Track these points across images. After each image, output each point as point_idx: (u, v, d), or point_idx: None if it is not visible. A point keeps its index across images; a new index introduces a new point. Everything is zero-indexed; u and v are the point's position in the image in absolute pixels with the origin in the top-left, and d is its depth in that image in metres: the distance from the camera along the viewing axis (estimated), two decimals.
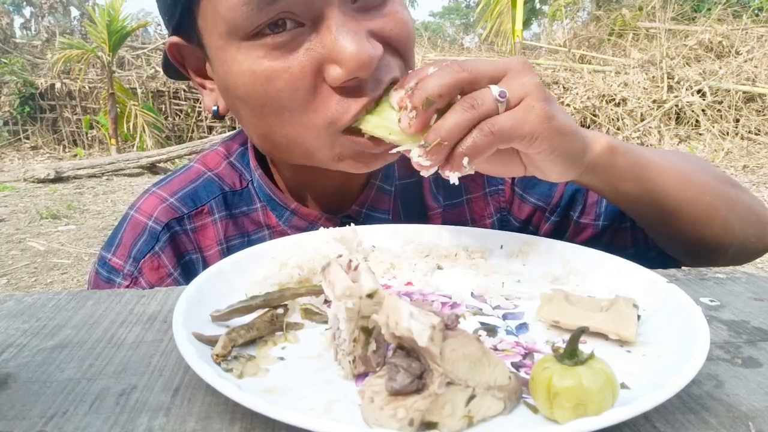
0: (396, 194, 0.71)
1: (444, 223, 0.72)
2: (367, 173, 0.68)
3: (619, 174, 0.57)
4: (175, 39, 0.61)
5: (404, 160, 0.73)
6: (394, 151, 0.51)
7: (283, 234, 0.67)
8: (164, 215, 0.67)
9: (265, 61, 0.53)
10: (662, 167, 0.60)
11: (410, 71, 0.49)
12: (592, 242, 0.72)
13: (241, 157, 0.72)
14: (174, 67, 0.66)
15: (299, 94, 0.53)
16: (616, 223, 0.71)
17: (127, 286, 0.64)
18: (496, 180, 0.74)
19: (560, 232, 0.73)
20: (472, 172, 0.49)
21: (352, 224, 0.58)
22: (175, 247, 0.66)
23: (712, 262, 0.66)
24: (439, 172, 0.49)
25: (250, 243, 0.67)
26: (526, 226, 0.74)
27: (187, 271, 0.66)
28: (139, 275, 0.64)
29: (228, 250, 0.67)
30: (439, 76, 0.47)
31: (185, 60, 0.63)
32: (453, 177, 0.48)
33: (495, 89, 0.47)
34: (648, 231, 0.68)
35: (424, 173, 0.49)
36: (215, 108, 0.63)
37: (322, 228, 0.57)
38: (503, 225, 0.75)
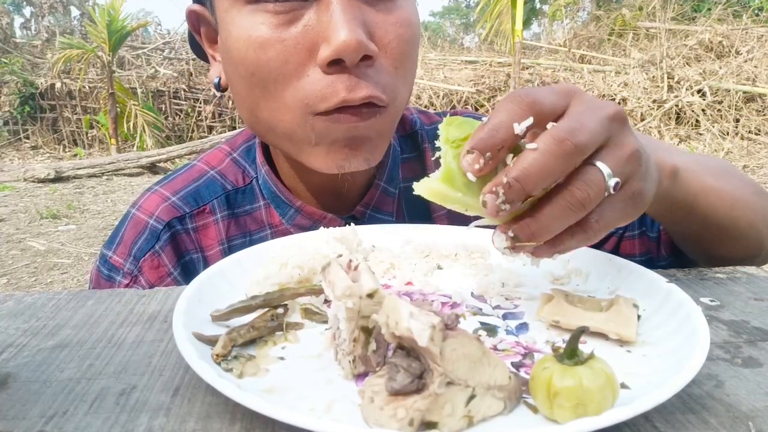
0: (400, 196, 0.71)
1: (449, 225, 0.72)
2: (370, 173, 0.68)
3: (673, 202, 0.54)
4: (194, 6, 0.62)
5: (407, 162, 0.73)
6: (475, 224, 0.42)
7: (285, 233, 0.67)
8: (165, 214, 0.66)
9: (262, 28, 0.53)
10: (715, 190, 0.56)
11: (490, 125, 0.37)
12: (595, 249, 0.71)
13: (246, 153, 0.72)
14: (196, 42, 0.67)
15: (288, 67, 0.53)
16: (620, 231, 0.70)
17: (127, 285, 0.64)
18: None
19: None
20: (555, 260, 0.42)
21: (352, 224, 0.58)
22: (176, 247, 0.66)
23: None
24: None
25: (252, 243, 0.67)
26: None
27: (188, 271, 0.66)
28: (139, 274, 0.64)
29: (229, 250, 0.67)
30: (546, 166, 0.36)
31: (201, 27, 0.64)
32: (535, 262, 0.42)
33: (610, 179, 0.38)
34: (682, 244, 0.65)
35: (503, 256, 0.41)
36: (217, 80, 0.63)
37: (322, 228, 0.57)
38: None
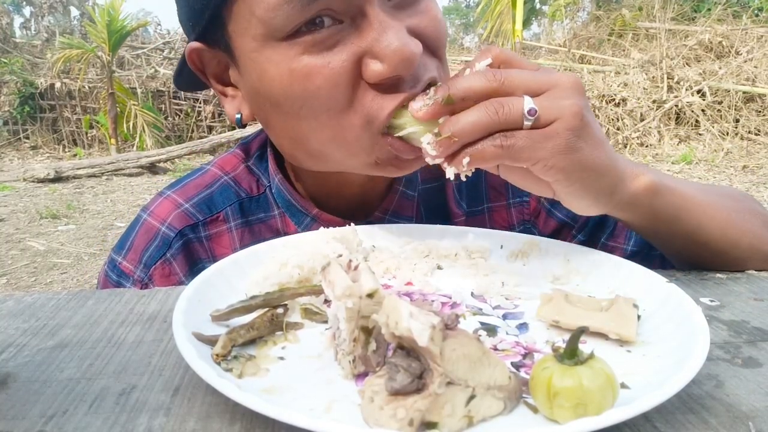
0: (419, 200, 0.70)
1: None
2: (390, 179, 0.68)
3: (655, 214, 0.54)
4: (196, 44, 0.59)
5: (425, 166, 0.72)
6: (401, 133, 0.51)
7: None
8: (178, 222, 0.65)
9: (304, 58, 0.52)
10: (703, 208, 0.57)
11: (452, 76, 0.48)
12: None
13: (258, 160, 0.71)
14: (186, 77, 0.65)
15: (339, 90, 0.52)
16: (646, 250, 0.69)
17: None
18: (522, 191, 0.73)
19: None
20: (470, 174, 0.48)
21: (352, 224, 0.58)
22: (188, 255, 0.65)
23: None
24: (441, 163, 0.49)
25: None
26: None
27: None
28: (150, 282, 0.63)
29: None
30: (469, 79, 0.46)
31: (206, 66, 0.62)
32: (449, 172, 0.48)
33: (528, 103, 0.45)
34: (672, 259, 0.65)
35: (428, 161, 0.49)
36: (238, 116, 0.62)
37: (322, 228, 0.57)
38: None
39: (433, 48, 0.56)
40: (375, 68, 0.51)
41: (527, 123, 0.45)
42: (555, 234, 0.72)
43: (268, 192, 0.69)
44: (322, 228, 0.57)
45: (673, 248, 0.61)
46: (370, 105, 0.52)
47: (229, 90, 0.62)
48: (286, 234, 0.67)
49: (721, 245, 0.58)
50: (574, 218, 0.71)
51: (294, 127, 0.56)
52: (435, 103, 0.47)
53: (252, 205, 0.68)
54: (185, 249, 0.65)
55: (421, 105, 0.48)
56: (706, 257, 0.58)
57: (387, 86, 0.52)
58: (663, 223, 0.56)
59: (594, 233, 0.70)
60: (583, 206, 0.50)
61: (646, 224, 0.56)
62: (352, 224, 0.58)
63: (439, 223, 0.69)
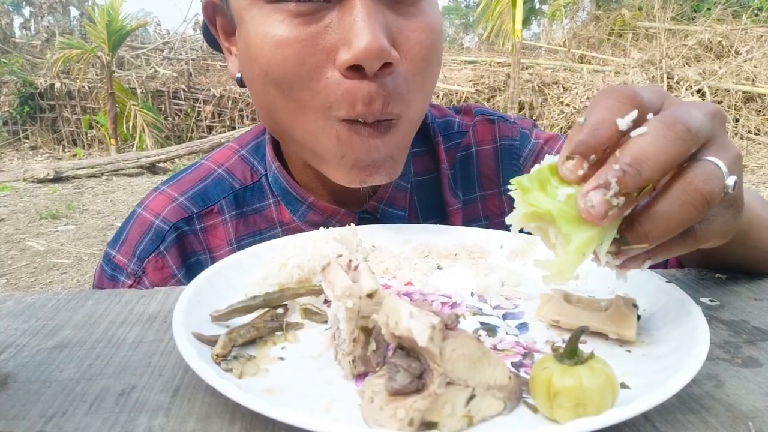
0: (412, 191, 0.71)
1: (463, 219, 0.72)
2: None
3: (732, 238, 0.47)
4: None
5: (419, 156, 0.72)
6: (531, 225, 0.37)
7: (297, 230, 0.66)
8: (173, 215, 0.66)
9: (281, 26, 0.52)
10: (763, 219, 0.53)
11: (590, 124, 0.33)
12: None
13: (254, 150, 0.71)
14: (212, 38, 0.66)
15: (305, 68, 0.52)
16: None
17: (131, 285, 0.63)
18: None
19: None
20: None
21: (352, 224, 0.58)
22: (182, 248, 0.65)
23: None
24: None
25: (262, 241, 0.67)
26: None
27: (193, 273, 0.65)
28: (143, 275, 0.63)
29: (239, 250, 0.66)
30: (662, 150, 0.32)
31: (217, 20, 0.63)
32: (621, 275, 0.38)
33: (728, 177, 0.34)
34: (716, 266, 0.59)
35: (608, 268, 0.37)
36: (239, 75, 0.62)
37: (322, 228, 0.57)
38: None
39: (415, 64, 0.54)
40: (342, 56, 0.51)
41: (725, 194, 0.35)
42: None
43: (264, 180, 0.69)
44: (322, 228, 0.57)
45: (726, 262, 0.56)
46: (333, 92, 0.52)
47: (234, 48, 0.63)
48: (281, 223, 0.68)
49: None
50: None
51: (264, 93, 0.56)
52: (628, 201, 0.32)
53: (246, 194, 0.69)
54: (179, 242, 0.65)
55: (603, 209, 0.32)
56: (754, 268, 0.56)
57: (353, 80, 0.51)
58: (733, 244, 0.48)
59: None
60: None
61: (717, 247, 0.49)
62: (352, 224, 0.58)
63: (434, 214, 0.69)
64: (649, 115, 0.34)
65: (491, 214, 0.73)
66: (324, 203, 0.66)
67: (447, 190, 0.72)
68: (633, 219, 0.34)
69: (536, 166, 0.36)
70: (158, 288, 0.54)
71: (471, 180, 0.74)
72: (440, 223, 0.71)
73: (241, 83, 0.63)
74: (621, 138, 0.33)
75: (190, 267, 0.65)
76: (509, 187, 0.37)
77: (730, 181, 0.34)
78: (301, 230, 0.66)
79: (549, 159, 0.36)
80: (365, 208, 0.68)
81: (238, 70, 0.62)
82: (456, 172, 0.74)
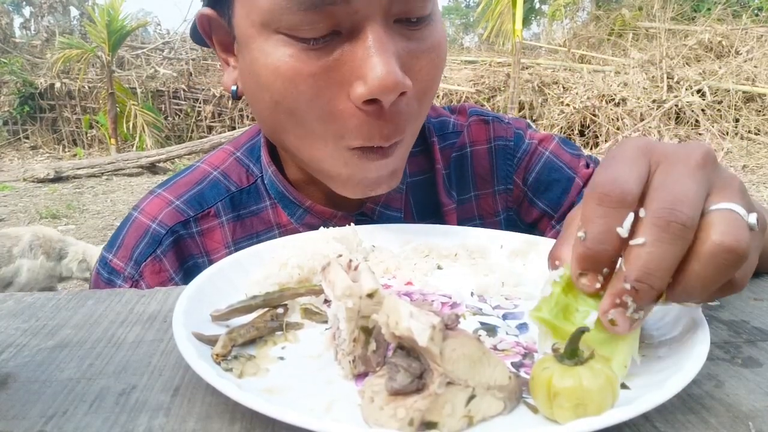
0: (407, 192, 0.71)
1: (459, 218, 0.72)
2: None
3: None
4: (207, 10, 0.60)
5: (414, 156, 0.72)
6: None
7: (294, 233, 0.66)
8: (169, 219, 0.66)
9: (291, 61, 0.51)
10: None
11: (591, 239, 0.34)
12: None
13: (249, 151, 0.71)
14: (199, 34, 0.65)
15: (319, 102, 0.52)
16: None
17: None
18: (507, 179, 0.74)
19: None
20: None
21: (352, 224, 0.58)
22: (179, 252, 0.65)
23: None
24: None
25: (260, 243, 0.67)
26: (532, 231, 0.73)
27: (190, 276, 0.65)
28: (140, 278, 0.63)
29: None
30: (665, 256, 0.32)
31: (213, 33, 0.62)
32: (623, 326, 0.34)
33: (749, 216, 0.33)
34: None
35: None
36: (234, 88, 0.62)
37: (322, 228, 0.57)
38: (510, 224, 0.74)
39: (426, 85, 0.56)
40: (357, 90, 0.50)
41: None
42: (535, 223, 0.73)
43: (260, 182, 0.69)
44: (322, 228, 0.57)
45: None
46: (346, 123, 0.53)
47: (232, 60, 0.62)
48: (278, 225, 0.68)
49: None
50: (554, 208, 0.72)
51: (272, 118, 0.57)
52: (646, 312, 0.34)
53: (243, 197, 0.69)
54: (176, 246, 0.65)
55: (627, 325, 0.33)
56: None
57: (370, 115, 0.52)
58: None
59: None
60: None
61: None
62: (352, 224, 0.58)
63: (429, 214, 0.69)
64: (641, 212, 0.33)
65: (485, 213, 0.73)
66: (321, 207, 0.67)
67: (442, 190, 0.72)
68: (673, 287, 0.33)
69: (546, 287, 0.37)
70: (158, 288, 0.54)
71: (466, 180, 0.74)
72: (435, 223, 0.71)
73: (236, 96, 0.63)
74: (625, 242, 0.33)
75: (188, 270, 0.65)
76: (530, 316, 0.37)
77: (752, 219, 0.33)
78: (299, 233, 0.65)
79: (553, 276, 0.37)
80: (362, 210, 0.68)
81: (233, 83, 0.62)
82: (451, 173, 0.74)
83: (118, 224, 0.70)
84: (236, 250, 0.65)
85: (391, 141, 0.54)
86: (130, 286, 0.63)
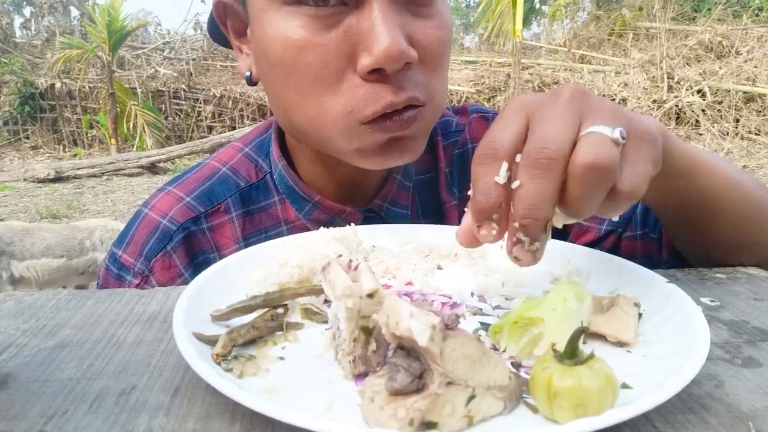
0: (414, 190, 0.71)
1: (460, 215, 0.72)
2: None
3: (673, 167, 0.49)
4: None
5: (420, 156, 0.73)
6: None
7: (302, 229, 0.66)
8: (180, 215, 0.66)
9: (301, 31, 0.52)
10: (711, 165, 0.54)
11: (477, 192, 0.38)
12: (594, 246, 0.70)
13: (258, 147, 0.72)
14: (217, 32, 0.67)
15: (328, 72, 0.53)
16: (620, 230, 0.70)
17: (138, 285, 0.63)
18: None
19: (563, 231, 0.73)
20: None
21: (352, 224, 0.58)
22: (189, 248, 0.66)
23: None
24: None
25: (268, 239, 0.67)
26: None
27: (200, 272, 0.65)
28: (150, 274, 0.64)
29: (246, 248, 0.67)
30: (540, 189, 0.36)
31: (228, 19, 0.63)
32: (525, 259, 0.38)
33: (613, 131, 0.37)
34: (676, 233, 0.63)
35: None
36: (248, 73, 0.63)
37: (322, 228, 0.57)
38: None
39: (432, 60, 0.56)
40: (363, 61, 0.51)
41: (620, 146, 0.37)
42: None
43: (269, 178, 0.69)
44: (322, 228, 0.57)
45: (682, 215, 0.58)
46: (359, 99, 0.53)
47: (245, 47, 0.63)
48: (286, 221, 0.68)
49: (727, 206, 0.55)
50: None
51: (284, 95, 0.57)
52: (542, 241, 0.37)
53: (252, 192, 0.69)
54: (186, 242, 0.66)
55: (531, 256, 0.37)
56: (712, 223, 0.57)
57: (376, 82, 0.52)
58: (679, 179, 0.51)
59: None
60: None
61: (662, 184, 0.50)
62: (352, 224, 0.58)
63: (432, 212, 0.69)
64: (517, 157, 0.37)
65: None
66: (330, 202, 0.67)
67: (444, 188, 0.73)
68: (562, 210, 0.37)
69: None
70: (158, 288, 0.54)
71: (467, 177, 0.74)
72: (438, 221, 0.71)
73: (250, 82, 0.63)
74: (507, 186, 0.37)
75: (198, 266, 0.65)
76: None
77: (616, 133, 0.36)
78: (307, 228, 0.66)
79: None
80: (370, 206, 0.68)
81: (248, 68, 0.63)
82: (453, 170, 0.74)
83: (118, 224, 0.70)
84: (246, 245, 0.66)
85: (401, 98, 0.53)
86: (140, 282, 0.63)
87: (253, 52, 0.60)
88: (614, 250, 0.70)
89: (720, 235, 0.59)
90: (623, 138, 0.37)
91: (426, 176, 0.73)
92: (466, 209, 0.41)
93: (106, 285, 0.65)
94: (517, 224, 0.36)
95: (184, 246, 0.65)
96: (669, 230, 0.65)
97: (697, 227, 0.59)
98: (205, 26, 9.31)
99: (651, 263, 0.67)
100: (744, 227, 0.58)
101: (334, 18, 0.52)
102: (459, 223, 0.73)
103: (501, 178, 0.37)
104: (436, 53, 0.56)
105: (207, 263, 0.65)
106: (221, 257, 0.65)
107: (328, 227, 0.65)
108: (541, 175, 0.35)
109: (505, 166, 0.37)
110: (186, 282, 0.64)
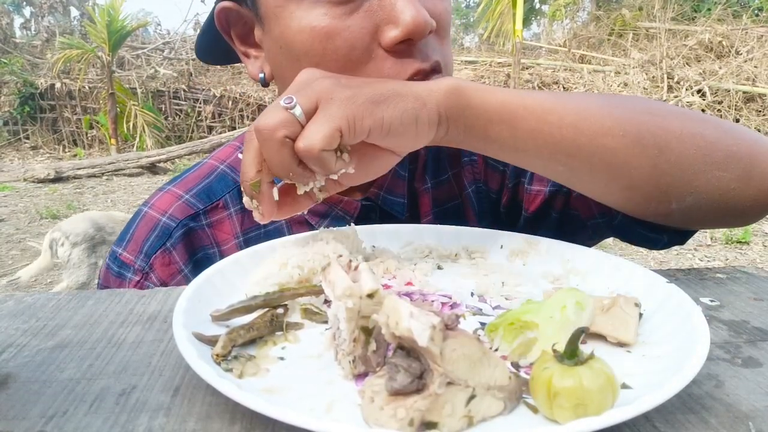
0: (408, 180, 0.72)
1: (433, 200, 0.73)
2: None
3: (479, 117, 0.51)
4: (226, 3, 0.62)
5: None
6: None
7: (300, 221, 0.68)
8: (180, 212, 0.67)
9: (326, 18, 0.55)
10: (548, 106, 0.51)
11: (241, 175, 0.49)
12: (548, 210, 0.71)
13: None
14: (208, 48, 0.68)
15: (356, 53, 0.55)
16: (564, 189, 0.68)
17: (138, 281, 0.64)
18: (472, 152, 0.73)
19: (516, 201, 0.73)
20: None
21: (352, 224, 0.58)
22: (189, 244, 0.66)
23: (678, 218, 0.56)
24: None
25: (267, 234, 0.68)
26: (500, 197, 0.74)
27: (200, 267, 0.65)
28: (150, 271, 0.64)
29: (245, 243, 0.68)
30: (245, 156, 0.48)
31: (231, 26, 0.64)
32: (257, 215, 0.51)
33: (294, 107, 0.46)
34: (570, 185, 0.59)
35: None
36: (262, 75, 0.64)
37: (322, 228, 0.57)
38: (480, 197, 0.74)
39: (443, 29, 0.59)
40: (390, 34, 0.54)
41: (299, 116, 0.46)
42: (500, 188, 0.74)
43: None
44: (322, 228, 0.57)
45: (539, 165, 0.55)
46: (387, 71, 0.56)
47: (252, 51, 0.65)
48: None
49: (584, 145, 0.50)
50: (505, 165, 0.72)
51: None
52: (261, 200, 0.50)
53: None
54: (186, 238, 0.66)
55: (258, 215, 0.51)
56: (578, 169, 0.52)
57: (401, 53, 0.55)
58: (497, 126, 0.51)
59: (517, 179, 0.72)
60: (413, 139, 0.51)
61: (482, 136, 0.52)
62: (352, 224, 0.58)
63: (409, 201, 0.71)
64: None
65: (459, 189, 0.74)
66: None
67: (417, 176, 0.73)
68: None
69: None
70: (158, 288, 0.54)
71: (442, 162, 0.75)
72: (410, 208, 0.72)
73: (264, 83, 0.65)
74: (257, 161, 0.48)
75: (198, 262, 0.66)
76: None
77: (285, 102, 0.45)
78: (305, 220, 0.68)
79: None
80: (366, 195, 0.69)
81: (260, 71, 0.64)
82: (429, 158, 0.75)
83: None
84: (245, 240, 0.68)
85: (429, 63, 0.56)
86: (140, 279, 0.64)
87: (269, 51, 0.62)
88: (567, 210, 0.70)
89: (603, 182, 0.54)
90: (287, 103, 0.45)
91: (413, 166, 0.74)
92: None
93: (107, 284, 0.65)
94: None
95: (183, 242, 0.66)
96: (563, 184, 0.60)
97: (571, 174, 0.55)
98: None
99: (609, 220, 0.65)
100: (626, 168, 0.51)
101: (354, 2, 0.55)
102: (430, 207, 0.74)
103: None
104: (446, 22, 0.60)
105: (207, 259, 0.66)
106: (221, 253, 0.67)
107: (326, 218, 0.66)
108: (246, 148, 0.47)
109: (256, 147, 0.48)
110: (186, 278, 0.64)
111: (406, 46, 0.55)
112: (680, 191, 0.52)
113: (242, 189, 0.48)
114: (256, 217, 0.50)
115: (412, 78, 0.55)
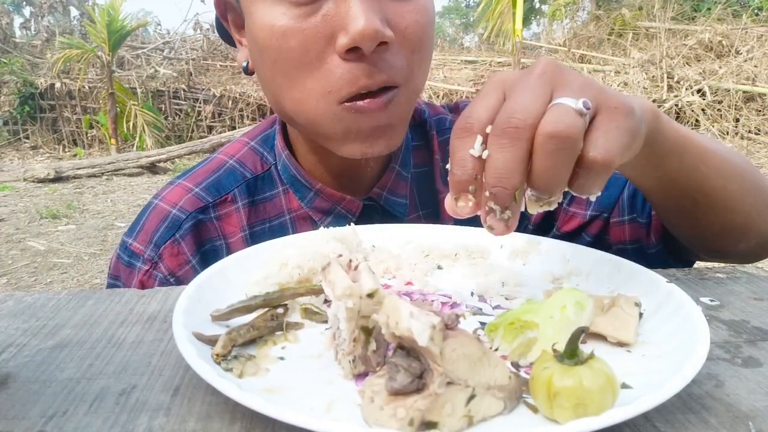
0: (412, 181, 0.74)
1: None
2: (386, 157, 0.70)
3: (664, 146, 0.50)
4: None
5: (417, 149, 0.76)
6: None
7: (304, 217, 0.70)
8: (189, 205, 0.69)
9: (284, 18, 0.55)
10: (701, 144, 0.54)
11: (453, 165, 0.39)
12: (581, 232, 0.72)
13: (263, 141, 0.75)
14: (222, 27, 0.70)
15: (309, 56, 0.56)
16: (606, 215, 0.70)
17: (147, 271, 0.65)
18: None
19: (550, 219, 0.74)
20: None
21: (352, 224, 0.58)
22: (197, 236, 0.68)
23: (728, 256, 0.63)
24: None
25: (272, 229, 0.70)
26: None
27: (207, 259, 0.67)
28: (159, 260, 0.66)
29: (251, 237, 0.69)
30: (508, 158, 0.37)
31: (228, 13, 0.67)
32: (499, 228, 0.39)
33: (577, 103, 0.37)
34: (669, 217, 0.63)
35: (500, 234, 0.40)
36: (245, 63, 0.66)
37: (322, 228, 0.57)
38: None
39: (411, 42, 0.58)
40: (340, 41, 0.54)
41: (585, 121, 0.38)
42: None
43: (273, 169, 0.73)
44: (322, 228, 0.57)
45: (672, 195, 0.57)
46: (333, 75, 0.56)
47: (244, 39, 0.67)
48: (289, 210, 0.72)
49: (718, 186, 0.55)
50: None
51: (272, 80, 0.60)
52: (513, 211, 0.38)
53: (257, 183, 0.72)
54: (194, 230, 0.68)
55: (503, 226, 0.39)
56: (703, 205, 0.56)
57: (353, 63, 0.55)
58: (672, 157, 0.51)
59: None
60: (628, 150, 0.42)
61: (655, 163, 0.51)
62: (352, 224, 0.58)
63: (429, 203, 0.72)
64: (488, 128, 0.38)
65: None
66: (330, 190, 0.69)
67: (438, 179, 0.76)
68: (530, 182, 0.38)
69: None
70: (158, 288, 0.54)
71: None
72: (434, 212, 0.74)
73: (247, 71, 0.67)
74: (481, 160, 0.38)
75: (205, 254, 0.68)
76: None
77: (580, 104, 0.37)
78: (309, 217, 0.69)
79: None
80: (369, 194, 0.70)
81: (245, 59, 0.66)
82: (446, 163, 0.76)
83: (119, 224, 0.71)
84: (251, 233, 0.70)
85: (376, 80, 0.56)
86: (150, 268, 0.66)
87: (248, 42, 0.63)
88: (602, 235, 0.71)
89: (712, 216, 0.58)
90: (587, 108, 0.37)
91: (423, 169, 0.75)
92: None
93: (117, 273, 0.67)
94: (488, 193, 0.37)
95: (192, 234, 0.68)
96: (661, 213, 0.64)
97: (690, 209, 0.59)
98: (204, 26, 9.34)
99: (641, 248, 0.68)
100: (736, 209, 0.58)
101: (314, 5, 0.55)
102: None
103: (476, 150, 0.38)
104: (415, 35, 0.58)
105: (213, 251, 0.68)
106: (228, 245, 0.69)
107: (329, 216, 0.66)
108: (509, 144, 0.36)
109: (479, 139, 0.38)
110: (194, 269, 0.66)
111: (358, 56, 0.54)
112: (750, 237, 0.60)
113: (490, 192, 0.37)
114: (498, 229, 0.39)
115: (360, 92, 0.55)
